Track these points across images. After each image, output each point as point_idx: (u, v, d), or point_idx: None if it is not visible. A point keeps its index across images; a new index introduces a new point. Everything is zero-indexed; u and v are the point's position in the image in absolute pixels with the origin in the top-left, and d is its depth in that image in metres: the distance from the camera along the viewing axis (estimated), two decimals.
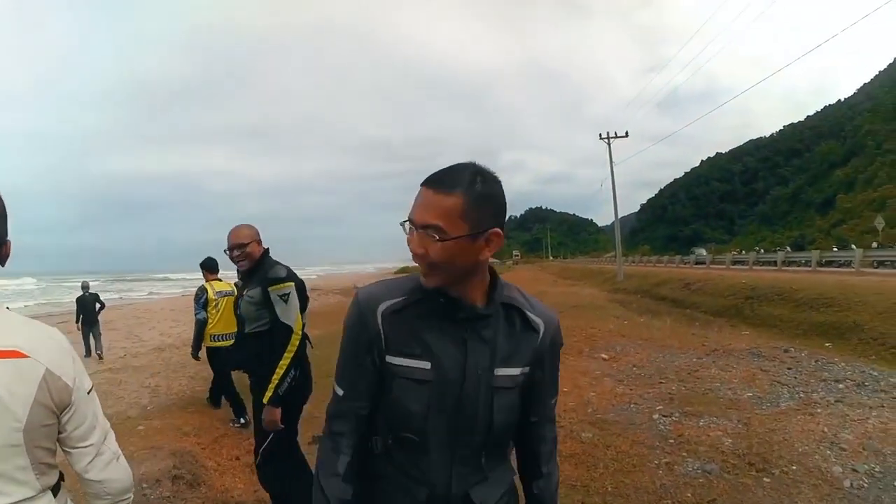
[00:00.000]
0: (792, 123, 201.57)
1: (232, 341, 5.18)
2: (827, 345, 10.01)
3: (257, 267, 3.53)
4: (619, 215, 38.91)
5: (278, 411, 3.38)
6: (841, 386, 6.71)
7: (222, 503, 4.47)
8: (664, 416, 5.91)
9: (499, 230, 1.31)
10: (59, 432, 1.50)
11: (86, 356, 13.28)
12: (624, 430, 5.55)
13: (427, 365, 1.36)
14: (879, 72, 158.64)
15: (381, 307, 1.40)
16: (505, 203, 1.35)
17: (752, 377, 7.26)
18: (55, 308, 25.24)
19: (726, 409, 5.95)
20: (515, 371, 1.41)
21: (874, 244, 32.56)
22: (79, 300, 14.07)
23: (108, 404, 7.76)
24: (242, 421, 6.39)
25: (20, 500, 1.40)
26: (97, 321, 13.93)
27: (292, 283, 3.48)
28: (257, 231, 3.59)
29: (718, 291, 18.36)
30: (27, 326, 1.50)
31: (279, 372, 3.30)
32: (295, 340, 3.40)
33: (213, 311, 6.85)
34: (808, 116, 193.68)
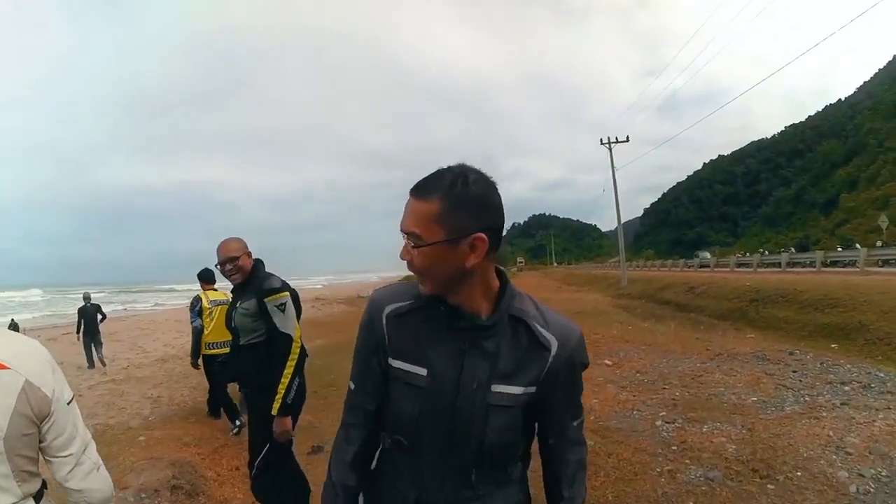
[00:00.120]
0: (793, 124, 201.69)
1: (227, 349, 5.20)
2: (833, 346, 9.94)
3: (250, 279, 3.53)
4: (623, 220, 38.88)
5: (289, 420, 3.44)
6: (847, 388, 6.62)
7: None
8: (667, 422, 5.84)
9: (482, 235, 1.23)
10: (40, 441, 1.54)
11: (89, 367, 13.50)
12: (626, 438, 5.48)
13: (423, 371, 1.36)
14: (879, 70, 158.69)
15: (387, 310, 1.44)
16: (490, 206, 1.27)
17: (756, 381, 7.18)
18: (60, 319, 25.39)
19: (730, 415, 5.87)
20: (517, 390, 1.32)
21: (878, 243, 32.37)
22: (80, 310, 14.33)
23: (110, 415, 7.81)
24: (238, 423, 6.42)
25: None
26: (99, 331, 14.14)
27: (287, 293, 3.50)
28: (246, 243, 3.58)
29: (723, 295, 18.27)
30: (8, 339, 1.55)
31: (284, 381, 3.32)
32: (295, 349, 3.42)
33: (208, 320, 6.97)
34: (809, 116, 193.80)
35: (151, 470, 4.97)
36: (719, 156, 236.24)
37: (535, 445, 1.50)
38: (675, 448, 5.10)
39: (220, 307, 6.80)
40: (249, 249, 3.58)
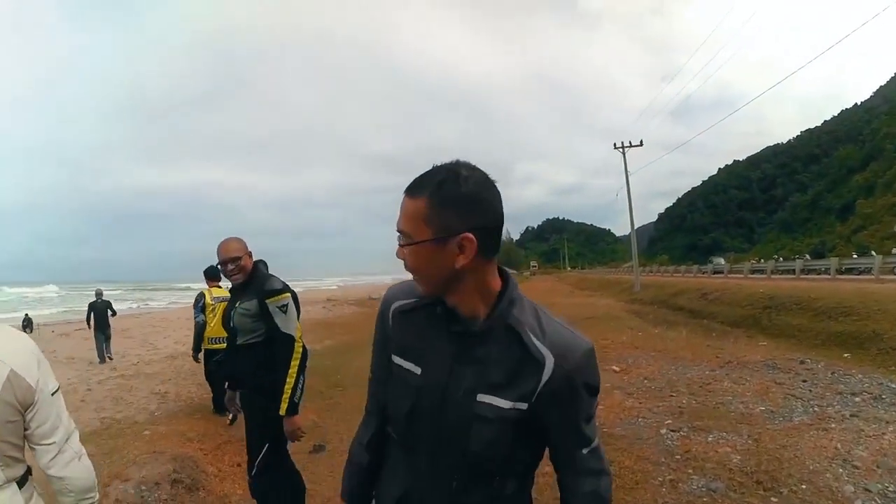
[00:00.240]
0: (809, 129, 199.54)
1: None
2: (845, 355, 9.81)
3: (251, 279, 3.54)
4: (637, 225, 38.62)
5: (299, 419, 3.47)
6: (857, 399, 6.51)
7: None
8: (672, 430, 5.76)
9: (469, 235, 1.19)
10: (25, 429, 1.64)
11: (100, 362, 13.74)
12: (630, 445, 5.42)
13: (418, 371, 1.36)
14: (895, 74, 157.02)
15: (394, 306, 1.46)
16: (482, 205, 1.22)
17: (765, 390, 7.08)
18: (74, 316, 25.73)
19: (737, 424, 5.78)
20: (504, 403, 1.25)
21: (894, 250, 32.04)
22: (91, 305, 14.82)
23: (117, 409, 7.93)
24: (232, 416, 6.53)
25: None
26: (109, 326, 14.59)
27: (289, 294, 3.52)
28: (246, 244, 3.58)
29: (736, 301, 18.09)
30: None
31: (290, 381, 3.36)
32: (298, 349, 3.45)
33: (210, 315, 7.21)
34: (825, 121, 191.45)
35: (153, 463, 5.05)
36: (735, 161, 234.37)
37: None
38: (678, 457, 5.03)
39: (222, 304, 6.90)
40: (250, 251, 3.58)
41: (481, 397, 1.26)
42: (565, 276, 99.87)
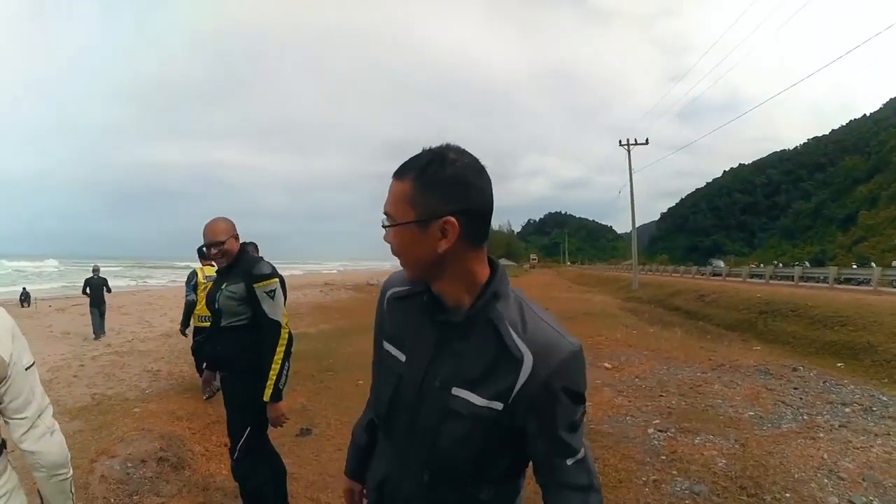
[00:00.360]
0: (816, 137, 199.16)
1: None
2: (839, 365, 9.80)
3: (237, 262, 3.49)
4: (639, 223, 38.64)
5: (283, 405, 3.45)
6: (847, 410, 6.51)
7: (203, 487, 4.54)
8: (660, 430, 5.76)
9: (451, 219, 1.16)
10: None
11: (95, 338, 13.81)
12: (616, 444, 5.41)
13: (402, 358, 1.35)
14: None
15: (389, 293, 1.47)
16: (467, 189, 1.18)
17: (756, 395, 7.08)
18: (73, 291, 25.78)
19: (724, 428, 5.78)
20: (477, 400, 1.19)
21: (894, 263, 32.01)
22: (87, 281, 15.02)
23: (108, 385, 7.95)
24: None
25: None
26: (104, 303, 14.72)
27: (277, 279, 3.49)
28: (234, 225, 3.51)
29: (733, 304, 18.07)
30: None
31: (275, 367, 3.34)
32: (284, 335, 3.43)
33: (202, 294, 7.15)
34: (832, 130, 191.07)
35: (141, 441, 5.08)
36: (740, 164, 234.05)
37: None
38: (664, 458, 5.03)
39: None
40: (236, 232, 3.51)
41: (456, 391, 1.22)
42: (564, 270, 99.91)
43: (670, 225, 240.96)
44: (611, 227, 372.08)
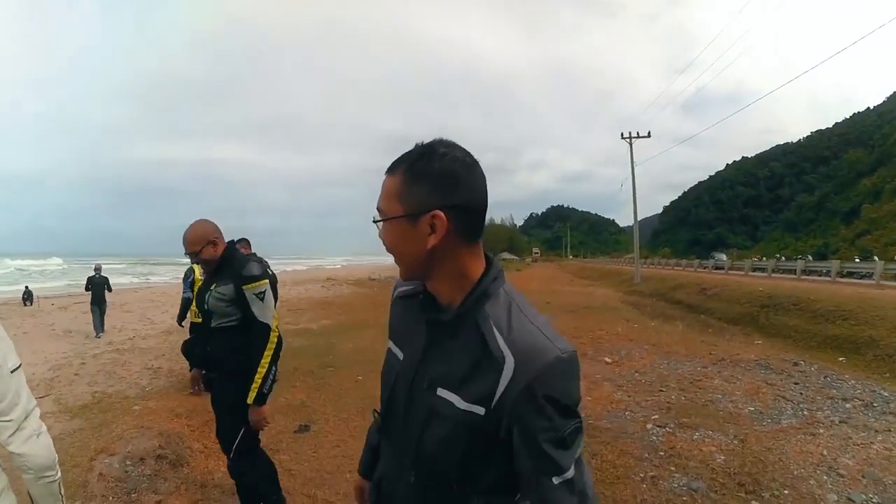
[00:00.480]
0: (820, 130, 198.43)
1: None
2: (840, 359, 9.78)
3: (225, 262, 3.44)
4: (642, 217, 38.60)
5: (266, 409, 3.40)
6: (848, 405, 6.50)
7: (201, 485, 4.53)
8: (658, 426, 5.75)
9: (440, 213, 1.13)
10: None
11: (96, 337, 13.87)
12: (614, 439, 5.40)
13: (401, 356, 1.33)
14: None
15: (397, 291, 1.47)
16: (457, 183, 1.15)
17: (756, 390, 7.07)
18: (76, 289, 25.82)
19: (724, 423, 5.77)
20: (459, 403, 1.15)
21: None
22: (89, 280, 15.14)
23: (109, 384, 7.96)
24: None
25: None
26: (105, 301, 14.83)
27: (266, 281, 3.44)
28: (214, 228, 3.44)
29: (734, 298, 18.07)
30: None
31: (261, 371, 3.29)
32: (273, 338, 3.38)
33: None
34: (836, 123, 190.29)
35: (140, 439, 5.07)
36: (743, 157, 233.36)
37: None
38: (662, 454, 5.02)
39: None
40: (214, 237, 3.42)
41: (441, 392, 1.19)
42: (566, 264, 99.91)
43: (673, 218, 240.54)
44: (613, 220, 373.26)
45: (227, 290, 3.34)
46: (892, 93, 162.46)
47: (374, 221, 1.23)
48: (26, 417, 1.74)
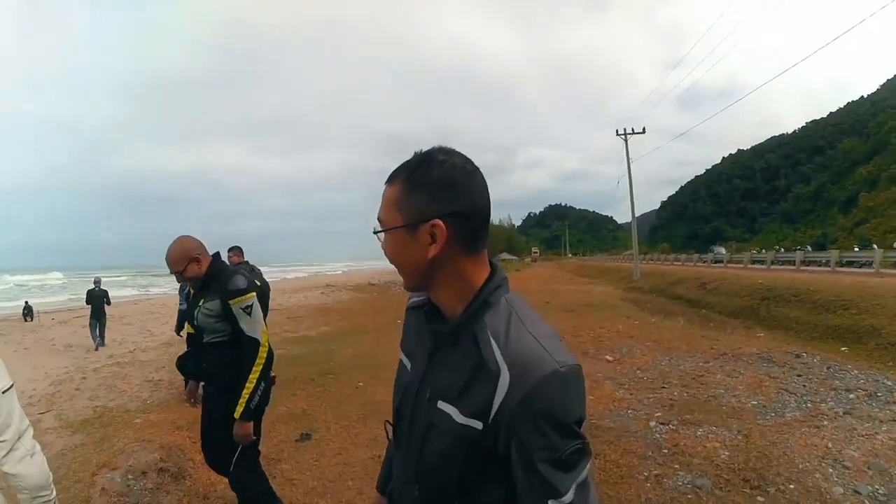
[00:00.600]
0: (814, 120, 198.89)
1: None
2: (843, 349, 9.77)
3: (211, 277, 3.39)
4: (640, 213, 38.64)
5: (251, 425, 3.33)
6: (851, 396, 6.47)
7: (203, 497, 4.52)
8: (661, 423, 5.73)
9: (439, 222, 1.10)
10: None
11: (96, 349, 13.96)
12: (617, 438, 5.37)
13: (410, 366, 1.32)
14: None
15: (409, 302, 1.45)
16: (456, 190, 1.12)
17: (758, 384, 7.04)
18: (76, 304, 25.83)
19: (727, 419, 5.74)
20: (457, 417, 1.11)
21: None
22: (89, 293, 15.26)
23: (110, 397, 7.98)
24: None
25: None
26: (104, 314, 14.95)
27: (254, 294, 3.37)
28: (196, 244, 3.40)
29: (734, 292, 18.05)
30: None
31: (249, 387, 3.23)
32: (263, 353, 3.32)
33: None
34: (830, 113, 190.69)
35: (141, 452, 5.08)
36: (738, 150, 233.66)
37: None
38: (665, 451, 4.99)
39: None
40: (197, 253, 3.37)
41: (441, 405, 1.16)
42: (565, 262, 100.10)
43: (670, 213, 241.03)
44: (611, 217, 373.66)
45: (215, 306, 3.29)
46: (885, 81, 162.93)
47: (375, 232, 1.22)
48: (19, 438, 1.74)
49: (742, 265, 33.38)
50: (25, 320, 21.83)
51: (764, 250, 43.80)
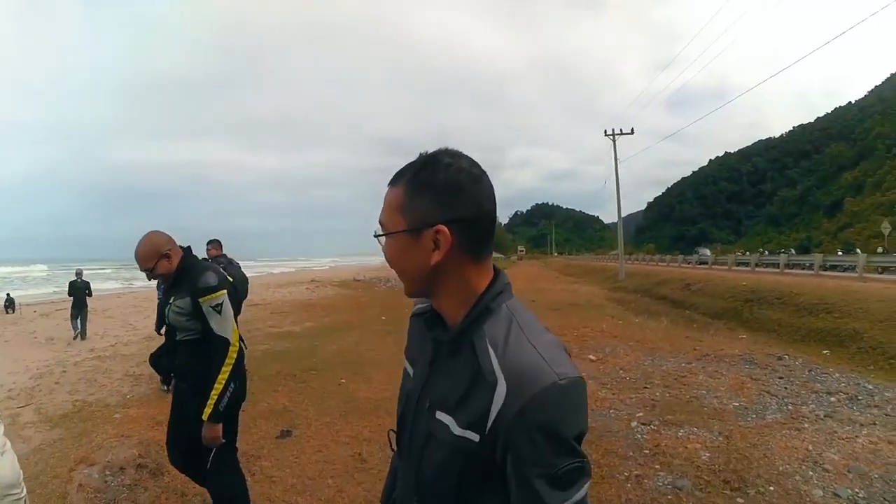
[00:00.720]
0: (802, 124, 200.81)
1: None
2: (825, 352, 9.85)
3: (182, 273, 3.29)
4: (627, 213, 38.84)
5: (220, 427, 3.21)
6: (832, 399, 6.50)
7: (181, 494, 4.46)
8: (643, 424, 5.73)
9: (443, 228, 1.06)
10: None
11: (74, 338, 14.07)
12: (598, 438, 5.35)
13: (412, 373, 1.30)
14: (891, 74, 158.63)
15: (414, 309, 1.40)
16: (462, 195, 1.08)
17: (740, 385, 7.07)
18: (59, 296, 25.55)
19: (708, 420, 5.77)
20: (454, 428, 1.07)
21: (879, 249, 32.22)
22: (71, 284, 15.25)
23: (90, 392, 7.91)
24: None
25: None
26: (86, 306, 14.85)
27: (224, 291, 3.24)
28: (166, 240, 3.30)
29: (718, 293, 18.16)
30: None
31: (218, 387, 3.12)
32: (233, 353, 3.21)
33: None
34: (818, 118, 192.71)
35: (120, 448, 5.02)
36: (726, 153, 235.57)
37: None
38: (646, 452, 5.00)
39: None
40: (168, 249, 3.26)
41: (439, 415, 1.11)
42: (551, 261, 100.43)
43: (657, 214, 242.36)
44: (598, 217, 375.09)
45: (185, 304, 3.20)
46: (873, 87, 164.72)
47: (376, 236, 1.17)
48: None
49: (726, 267, 33.60)
50: (7, 312, 21.60)
51: (748, 252, 44.15)
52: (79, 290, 14.85)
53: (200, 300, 3.14)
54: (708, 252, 52.36)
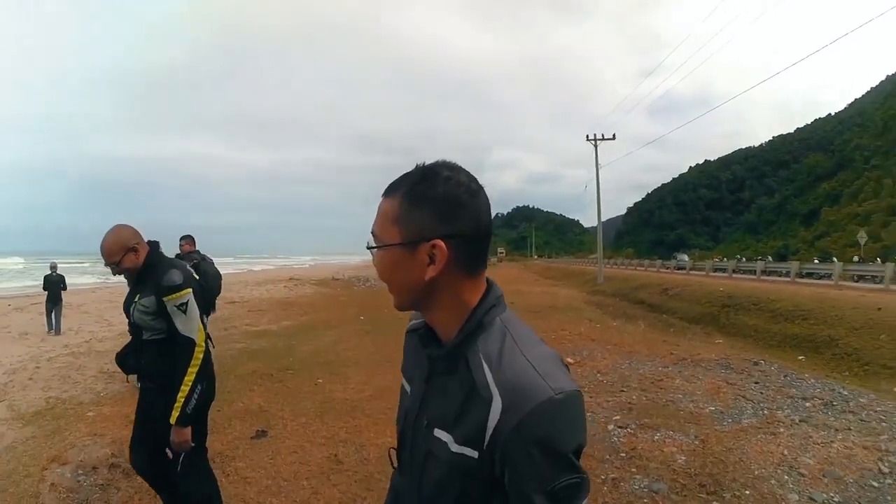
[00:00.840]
0: (782, 134, 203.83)
1: None
2: (800, 358, 9.98)
3: (146, 270, 3.17)
4: (606, 218, 39.08)
5: (188, 430, 3.11)
6: (808, 404, 6.55)
7: (154, 494, 4.37)
8: (620, 427, 5.75)
9: (440, 243, 1.04)
10: None
11: (48, 331, 14.08)
12: None
13: (409, 390, 1.28)
14: (871, 88, 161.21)
15: (409, 325, 1.37)
16: (460, 210, 1.06)
17: (716, 390, 7.11)
18: (34, 290, 25.16)
19: (684, 423, 5.79)
20: (453, 445, 1.06)
21: (855, 258, 32.76)
22: (46, 278, 15.15)
23: (63, 389, 7.81)
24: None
25: None
26: (61, 300, 14.73)
27: (190, 290, 3.13)
28: (132, 233, 3.18)
29: (696, 298, 18.35)
30: None
31: (185, 390, 3.03)
32: (199, 354, 3.11)
33: None
34: (797, 129, 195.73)
35: (93, 447, 5.00)
36: (706, 160, 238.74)
37: None
38: (623, 455, 5.01)
39: None
40: (135, 242, 3.14)
41: (437, 432, 1.10)
42: (531, 264, 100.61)
43: (636, 219, 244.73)
44: (578, 221, 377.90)
45: (150, 303, 3.09)
46: (853, 100, 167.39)
47: (369, 248, 1.14)
48: None
49: (704, 272, 33.99)
50: None
51: (726, 259, 44.64)
52: (53, 285, 14.67)
53: (165, 299, 3.04)
54: (686, 258, 52.92)
